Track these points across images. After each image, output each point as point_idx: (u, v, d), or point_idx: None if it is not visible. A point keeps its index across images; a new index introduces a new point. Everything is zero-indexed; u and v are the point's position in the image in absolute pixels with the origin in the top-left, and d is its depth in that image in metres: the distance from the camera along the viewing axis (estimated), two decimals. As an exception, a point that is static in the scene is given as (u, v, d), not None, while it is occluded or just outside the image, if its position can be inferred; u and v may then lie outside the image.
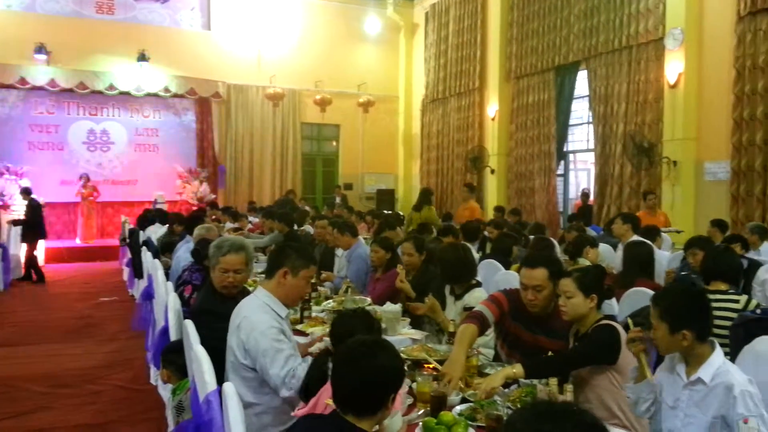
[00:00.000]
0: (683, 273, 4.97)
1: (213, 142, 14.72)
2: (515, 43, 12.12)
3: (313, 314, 4.05)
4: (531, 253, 3.32)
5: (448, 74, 14.33)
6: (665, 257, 5.53)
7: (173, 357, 3.10)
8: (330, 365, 2.25)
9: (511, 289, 3.21)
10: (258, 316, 2.72)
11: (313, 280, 4.55)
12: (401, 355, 2.82)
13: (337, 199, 13.75)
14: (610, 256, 5.78)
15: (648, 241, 4.98)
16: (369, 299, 4.44)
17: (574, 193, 12.36)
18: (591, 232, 7.74)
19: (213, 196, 14.02)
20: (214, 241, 3.48)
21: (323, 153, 16.47)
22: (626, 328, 2.80)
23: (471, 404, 2.49)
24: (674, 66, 8.58)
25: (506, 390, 2.58)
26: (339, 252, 5.86)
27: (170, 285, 3.96)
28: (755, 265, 4.70)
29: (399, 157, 16.75)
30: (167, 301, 3.55)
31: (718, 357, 2.16)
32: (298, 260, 2.86)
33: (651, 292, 3.55)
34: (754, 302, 3.44)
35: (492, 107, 12.76)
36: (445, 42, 14.48)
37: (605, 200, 9.91)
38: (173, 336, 3.30)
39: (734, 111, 7.89)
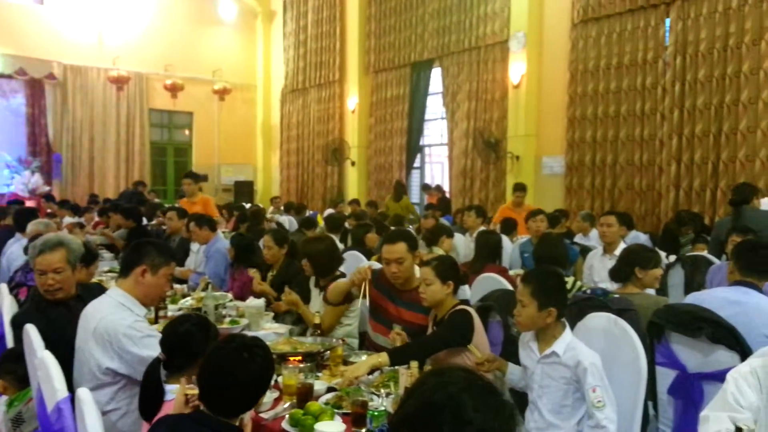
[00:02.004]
0: (526, 255, 5.45)
1: (47, 128, 13.35)
2: (373, 38, 12.37)
3: (170, 313, 3.86)
4: (391, 231, 3.50)
5: (308, 65, 14.27)
6: (510, 245, 5.99)
7: (11, 366, 2.79)
8: (164, 373, 2.17)
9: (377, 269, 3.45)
10: (118, 315, 2.57)
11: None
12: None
13: (192, 191, 13.13)
14: (460, 245, 6.14)
15: (496, 231, 5.38)
16: (230, 295, 4.32)
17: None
18: (445, 222, 8.14)
19: (47, 188, 12.73)
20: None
21: (175, 142, 15.64)
22: (479, 310, 3.03)
23: (337, 393, 2.53)
24: (517, 67, 9.27)
25: (369, 377, 2.65)
26: (194, 247, 5.61)
27: (4, 287, 3.56)
28: (585, 251, 5.25)
29: (258, 148, 16.39)
30: (2, 305, 3.19)
31: (568, 334, 2.42)
32: (158, 257, 2.71)
33: (498, 278, 3.86)
34: (578, 284, 3.85)
35: (352, 100, 12.92)
36: (305, 32, 14.38)
37: (458, 192, 10.48)
38: (10, 343, 2.97)
39: (568, 110, 8.71)
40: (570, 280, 3.81)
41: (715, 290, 3.08)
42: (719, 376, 2.51)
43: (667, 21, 7.62)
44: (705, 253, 4.72)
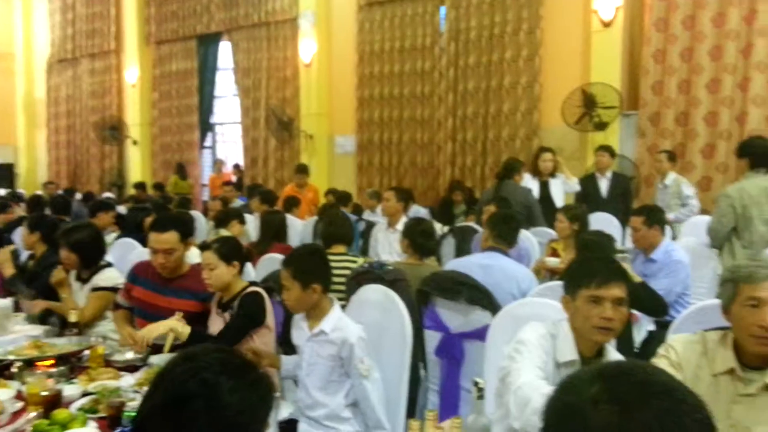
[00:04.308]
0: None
1: None
2: (153, 6, 11.48)
3: None
4: (159, 217, 3.21)
5: (78, 32, 12.80)
6: (300, 224, 5.99)
7: None
8: None
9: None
10: None
11: None
12: (9, 356, 2.49)
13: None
14: (251, 227, 5.99)
15: (281, 210, 5.33)
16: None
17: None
18: (239, 202, 7.91)
19: None
20: None
21: None
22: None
23: (93, 396, 2.28)
24: (308, 46, 9.25)
25: (131, 379, 2.45)
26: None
27: None
28: (371, 226, 5.44)
29: (19, 126, 14.35)
30: None
31: (336, 310, 2.44)
32: None
33: (282, 257, 3.80)
34: (363, 259, 3.96)
35: (131, 72, 11.88)
36: (73, -5, 12.84)
37: (254, 172, 10.25)
38: None
39: (357, 91, 8.93)
40: (360, 260, 3.89)
41: (470, 256, 3.39)
42: (476, 334, 2.77)
43: (442, 9, 8.15)
44: (473, 223, 5.18)
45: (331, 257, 3.45)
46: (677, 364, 1.79)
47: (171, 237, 2.91)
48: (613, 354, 1.93)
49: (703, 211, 5.57)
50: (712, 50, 6.29)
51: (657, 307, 3.17)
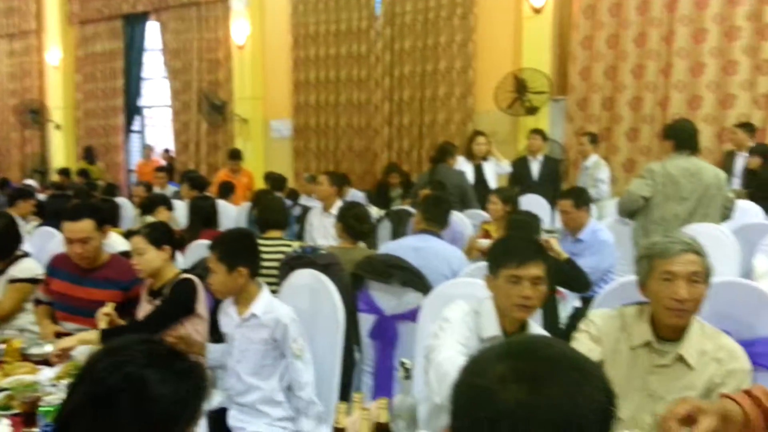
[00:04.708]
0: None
1: None
2: (76, -17, 10.89)
3: None
4: (74, 205, 3.07)
5: (-5, 11, 12.00)
6: (234, 210, 5.86)
7: None
8: None
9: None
10: None
11: None
12: None
13: None
14: (181, 215, 5.81)
15: (211, 196, 5.21)
16: None
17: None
18: (171, 188, 7.67)
19: None
20: None
21: None
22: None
23: (7, 392, 2.17)
24: (241, 27, 9.00)
25: (50, 373, 2.35)
26: None
27: None
28: (307, 210, 5.39)
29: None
30: None
31: (266, 294, 2.40)
32: None
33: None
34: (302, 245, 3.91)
35: (53, 54, 11.25)
36: (-14, -31, 12.00)
37: (185, 157, 9.95)
38: None
39: (293, 74, 8.78)
40: (295, 244, 3.84)
41: (404, 239, 3.40)
42: (409, 316, 2.78)
43: (377, -8, 8.09)
44: (409, 207, 5.21)
45: (266, 242, 3.42)
46: (597, 338, 1.85)
47: (86, 225, 2.79)
48: (535, 329, 1.98)
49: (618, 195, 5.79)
50: (637, 37, 6.54)
51: (581, 283, 3.28)
